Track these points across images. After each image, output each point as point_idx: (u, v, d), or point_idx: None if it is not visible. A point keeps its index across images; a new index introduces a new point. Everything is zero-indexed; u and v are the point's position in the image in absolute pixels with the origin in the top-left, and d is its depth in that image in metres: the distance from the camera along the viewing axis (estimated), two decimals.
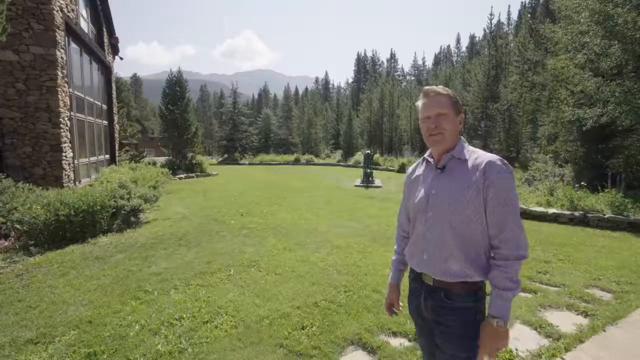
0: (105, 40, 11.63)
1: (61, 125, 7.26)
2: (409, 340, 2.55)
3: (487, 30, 24.33)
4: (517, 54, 20.11)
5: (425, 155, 1.44)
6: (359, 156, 24.70)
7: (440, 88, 1.35)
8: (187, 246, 4.88)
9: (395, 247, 1.61)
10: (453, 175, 1.29)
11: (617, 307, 3.06)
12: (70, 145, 7.75)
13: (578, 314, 2.96)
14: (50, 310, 2.95)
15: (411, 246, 1.43)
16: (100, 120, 11.02)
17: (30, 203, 4.89)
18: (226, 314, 2.91)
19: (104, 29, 11.50)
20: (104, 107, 11.68)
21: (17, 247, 4.50)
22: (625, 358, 2.30)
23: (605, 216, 6.28)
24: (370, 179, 12.96)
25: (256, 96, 71.75)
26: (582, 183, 7.39)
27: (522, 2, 49.58)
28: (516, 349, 2.40)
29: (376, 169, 16.26)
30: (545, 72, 12.39)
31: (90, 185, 7.89)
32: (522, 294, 3.34)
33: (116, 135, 12.76)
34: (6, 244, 4.62)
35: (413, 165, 1.54)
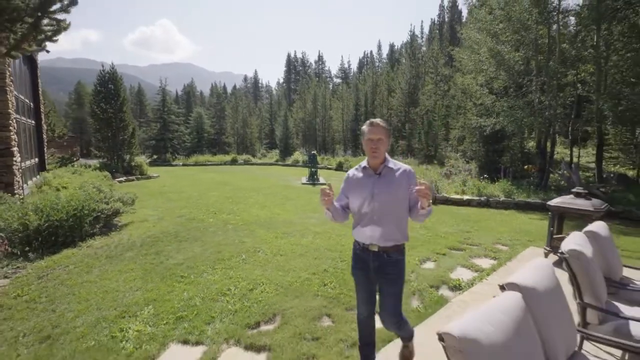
0: None
1: (10, 127, 6.77)
2: None
3: (408, 44, 27.87)
4: (431, 67, 23.80)
5: (363, 164, 2.10)
6: (298, 156, 25.99)
7: (379, 120, 2.00)
8: (187, 241, 5.41)
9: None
10: (388, 179, 2.00)
11: (510, 252, 4.85)
12: (18, 149, 7.22)
13: (491, 259, 4.63)
14: (110, 297, 3.42)
15: (360, 227, 2.06)
16: (30, 120, 10.02)
17: (15, 210, 4.83)
18: (262, 284, 3.78)
19: None
20: (32, 105, 10.58)
21: (17, 252, 4.50)
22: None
23: (500, 199, 8.63)
24: (315, 177, 14.25)
25: (179, 92, 67.39)
26: (485, 176, 9.83)
27: (431, 19, 56.82)
28: (461, 279, 3.85)
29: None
30: (455, 87, 15.30)
31: (40, 192, 7.44)
32: (458, 252, 4.93)
33: (44, 136, 11.59)
34: None
35: (352, 170, 2.16)
